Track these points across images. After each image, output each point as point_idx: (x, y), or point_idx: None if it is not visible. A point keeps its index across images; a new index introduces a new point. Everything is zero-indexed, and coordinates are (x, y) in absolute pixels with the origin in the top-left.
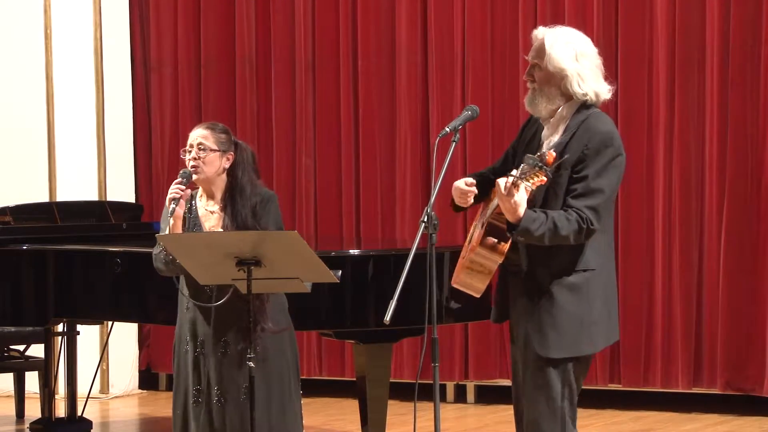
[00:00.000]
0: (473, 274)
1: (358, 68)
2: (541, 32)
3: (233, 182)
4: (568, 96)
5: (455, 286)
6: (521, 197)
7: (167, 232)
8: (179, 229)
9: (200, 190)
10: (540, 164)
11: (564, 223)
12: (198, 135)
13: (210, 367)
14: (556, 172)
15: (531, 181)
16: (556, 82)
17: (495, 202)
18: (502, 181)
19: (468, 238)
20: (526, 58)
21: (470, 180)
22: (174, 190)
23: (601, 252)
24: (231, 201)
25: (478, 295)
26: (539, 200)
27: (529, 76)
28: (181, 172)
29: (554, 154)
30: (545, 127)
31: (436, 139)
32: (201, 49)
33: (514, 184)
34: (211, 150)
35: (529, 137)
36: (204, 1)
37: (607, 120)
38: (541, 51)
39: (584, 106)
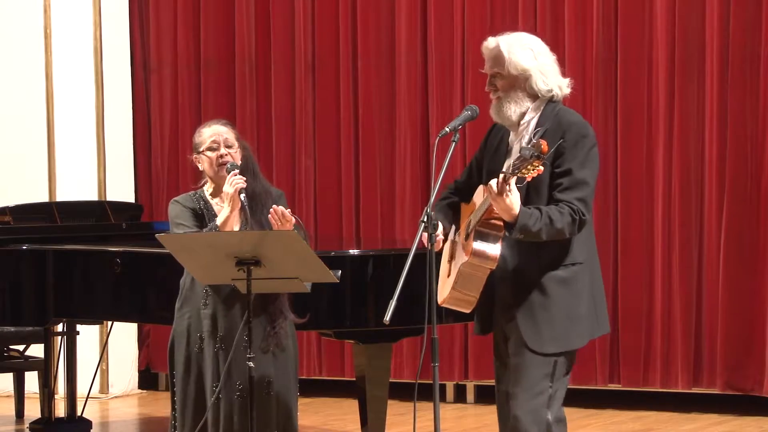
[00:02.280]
0: (465, 289)
1: (358, 68)
2: (492, 42)
3: (247, 182)
4: (533, 96)
5: (444, 305)
6: (516, 196)
7: (219, 222)
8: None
9: (209, 187)
10: (537, 154)
11: (557, 216)
12: (222, 132)
13: (232, 360)
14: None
15: (528, 173)
16: (520, 84)
17: (479, 211)
18: (494, 183)
19: (448, 257)
20: (482, 71)
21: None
22: (239, 180)
23: (586, 245)
24: (251, 202)
25: (469, 310)
26: (522, 198)
27: (491, 86)
28: (229, 165)
29: (545, 142)
30: (512, 133)
31: (436, 139)
32: (201, 49)
33: (506, 181)
34: (236, 146)
35: (494, 146)
36: (204, 1)
37: (575, 112)
38: (500, 59)
39: (550, 102)
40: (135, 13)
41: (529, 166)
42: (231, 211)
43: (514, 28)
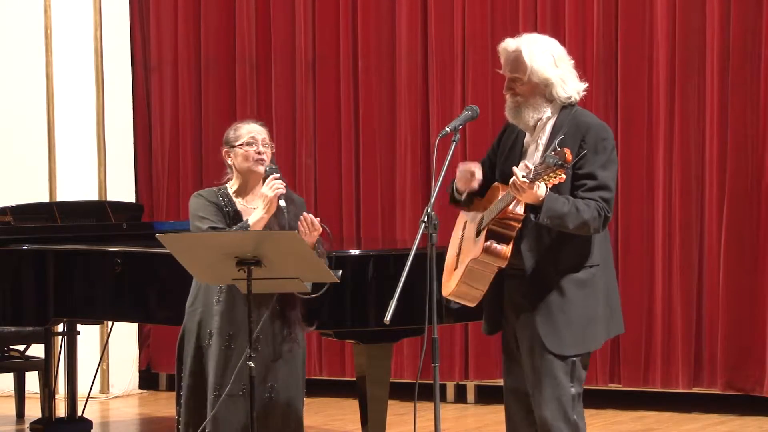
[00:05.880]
0: (472, 284)
1: (358, 68)
2: (512, 45)
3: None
4: (552, 101)
5: (449, 297)
6: (542, 189)
7: (251, 222)
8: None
9: (233, 184)
10: (561, 162)
11: (584, 207)
12: (260, 131)
13: (241, 360)
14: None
15: (549, 180)
16: (540, 91)
17: (494, 210)
18: (519, 173)
19: (456, 250)
20: (499, 72)
21: (476, 163)
22: (278, 185)
23: (602, 246)
24: (280, 207)
25: (473, 305)
26: None
27: (509, 90)
28: (267, 168)
29: (569, 150)
30: (527, 134)
31: (437, 139)
32: (201, 48)
33: (532, 183)
34: (271, 147)
35: (509, 145)
36: (204, 1)
37: (592, 113)
38: (521, 64)
39: (566, 105)
40: (135, 13)
41: (552, 174)
42: (266, 215)
43: (514, 27)
